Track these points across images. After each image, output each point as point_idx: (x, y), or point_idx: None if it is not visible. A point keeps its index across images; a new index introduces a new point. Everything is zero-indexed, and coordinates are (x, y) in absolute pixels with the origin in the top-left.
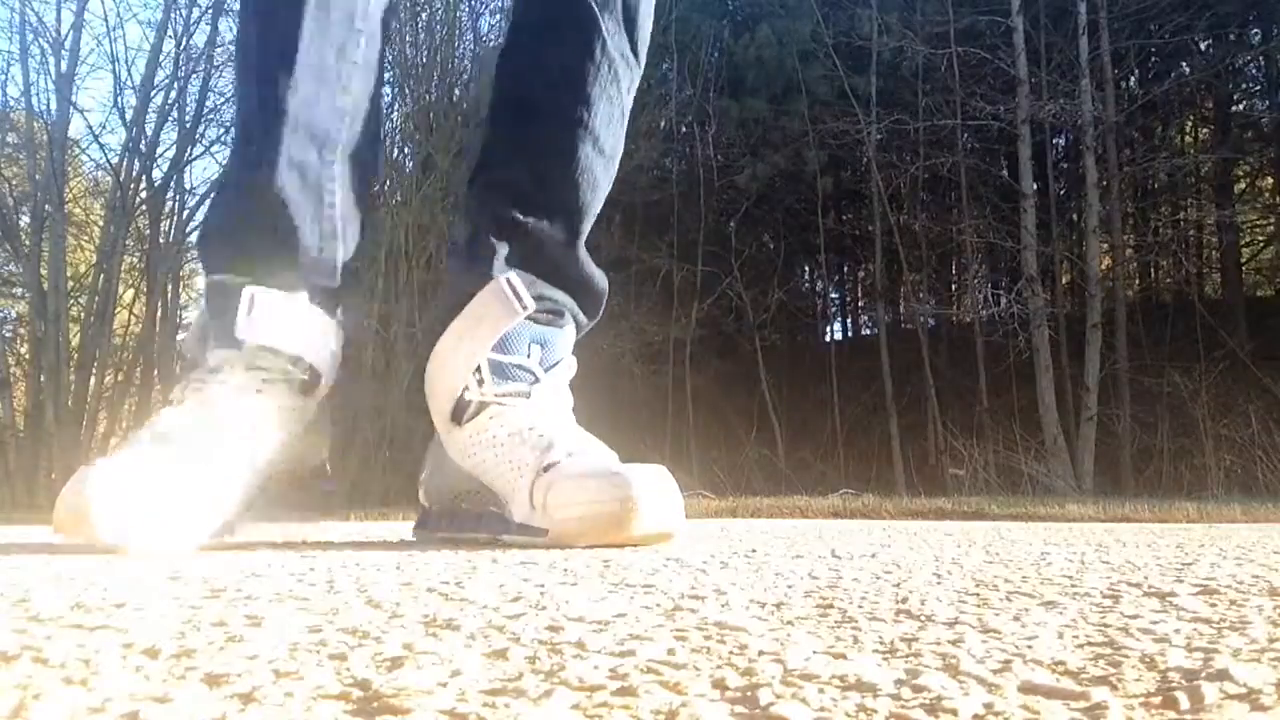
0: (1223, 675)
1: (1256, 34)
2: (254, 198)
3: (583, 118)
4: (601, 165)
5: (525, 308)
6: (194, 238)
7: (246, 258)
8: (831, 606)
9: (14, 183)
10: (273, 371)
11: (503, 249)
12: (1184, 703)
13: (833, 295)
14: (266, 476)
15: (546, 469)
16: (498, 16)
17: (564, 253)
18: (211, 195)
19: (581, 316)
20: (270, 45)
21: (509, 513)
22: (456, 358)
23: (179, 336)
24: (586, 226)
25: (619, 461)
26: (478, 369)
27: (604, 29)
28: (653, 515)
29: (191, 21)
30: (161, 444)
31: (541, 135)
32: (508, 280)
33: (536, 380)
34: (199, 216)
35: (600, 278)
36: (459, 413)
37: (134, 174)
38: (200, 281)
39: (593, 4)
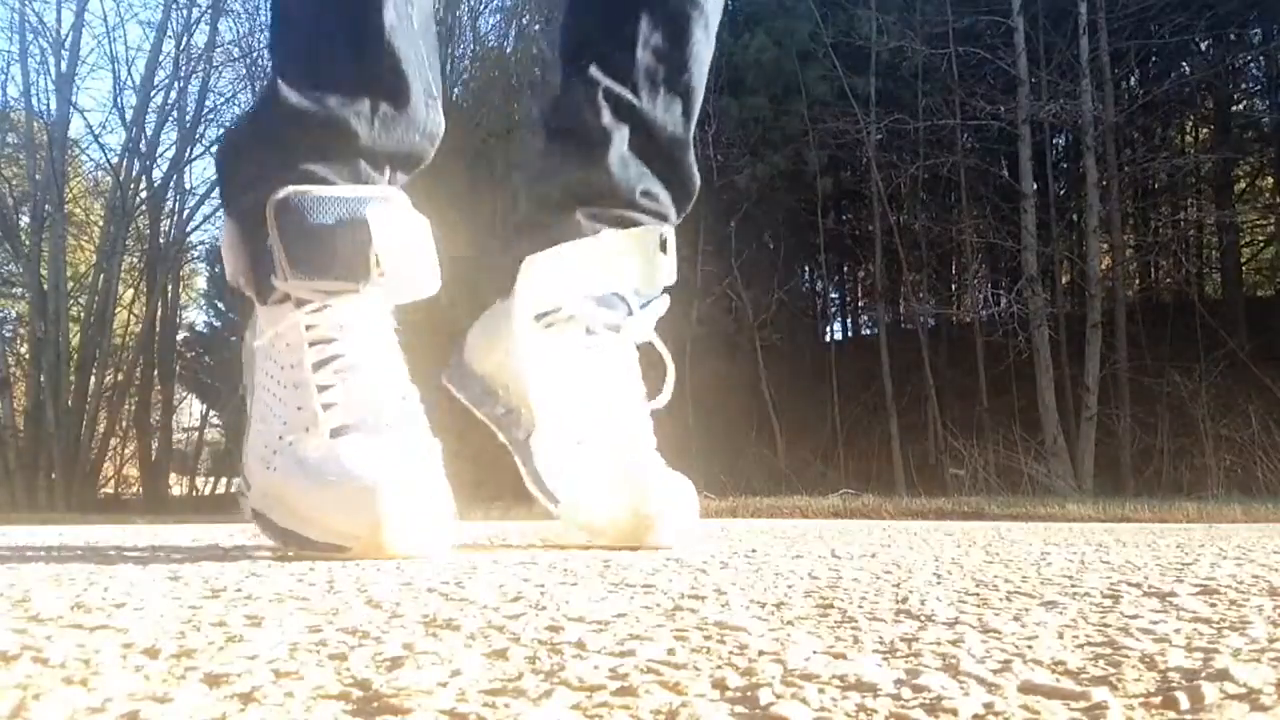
0: (1223, 675)
1: (1256, 34)
2: (352, 36)
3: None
4: (707, 48)
5: (670, 279)
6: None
7: (348, 134)
8: (831, 606)
9: (14, 183)
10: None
11: (620, 136)
12: (1184, 703)
13: (833, 295)
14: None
15: (595, 444)
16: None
17: (677, 142)
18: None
19: (673, 212)
20: None
21: (531, 448)
22: (575, 274)
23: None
24: (697, 112)
25: (654, 464)
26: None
27: None
28: (667, 532)
29: (191, 21)
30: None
31: (658, 7)
32: (663, 239)
33: (630, 313)
34: (199, 216)
35: (697, 175)
36: (546, 314)
37: (134, 174)
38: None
39: None
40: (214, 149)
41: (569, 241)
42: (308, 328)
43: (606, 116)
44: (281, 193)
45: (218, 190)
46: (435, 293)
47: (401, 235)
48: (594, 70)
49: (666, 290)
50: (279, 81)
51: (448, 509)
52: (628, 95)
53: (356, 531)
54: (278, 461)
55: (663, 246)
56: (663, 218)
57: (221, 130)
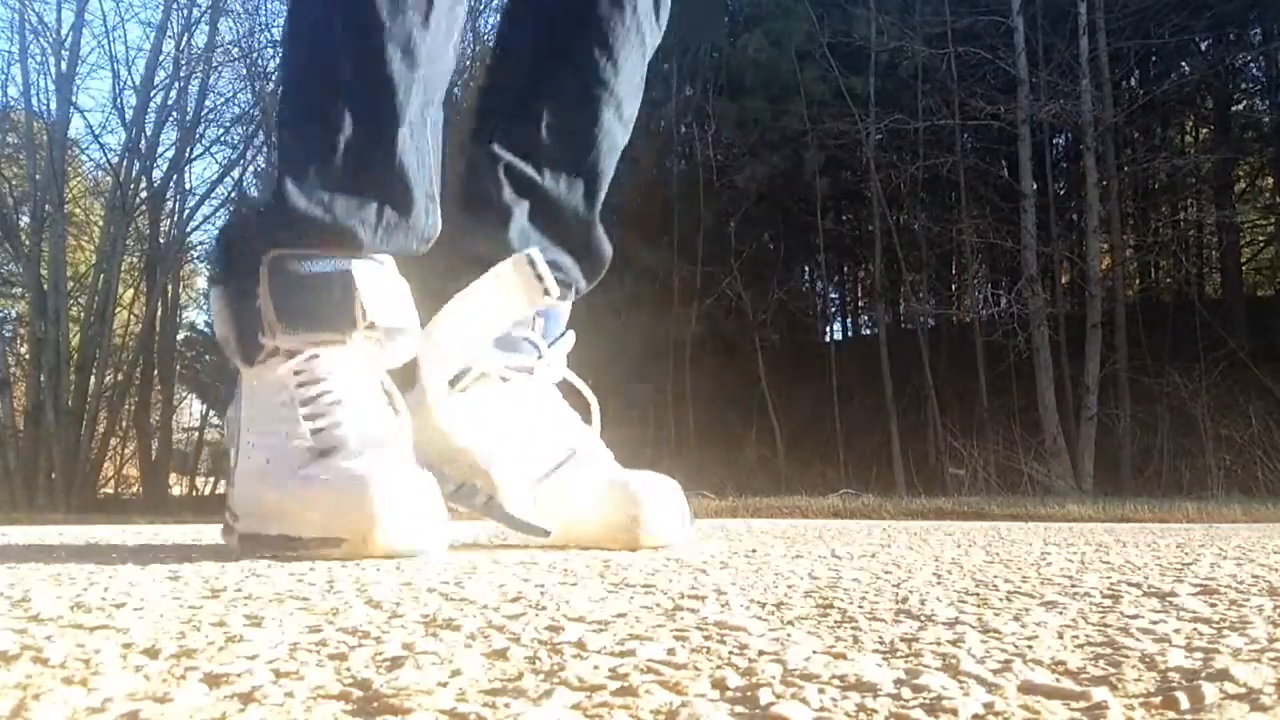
0: (1223, 675)
1: (1257, 34)
2: (369, 149)
3: (608, 78)
4: (620, 132)
5: (549, 293)
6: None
7: (342, 230)
8: (831, 606)
9: (14, 183)
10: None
11: (520, 210)
12: (1184, 703)
13: (832, 295)
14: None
15: (557, 467)
16: (496, 16)
17: (580, 219)
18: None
19: (582, 283)
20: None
21: (501, 498)
22: (469, 325)
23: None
24: (603, 193)
25: (620, 469)
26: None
27: (644, 8)
28: (659, 530)
29: (191, 22)
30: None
31: (565, 88)
32: (529, 258)
33: (540, 355)
34: (199, 216)
35: (607, 246)
36: (458, 377)
37: (134, 174)
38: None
39: None
40: (218, 227)
41: (448, 303)
42: (295, 372)
43: (507, 191)
44: (273, 254)
45: (216, 266)
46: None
47: (387, 291)
48: (497, 145)
49: (569, 327)
50: (286, 181)
51: (440, 509)
52: (529, 171)
53: (348, 525)
54: (270, 479)
55: (532, 265)
56: (568, 286)
57: (222, 131)
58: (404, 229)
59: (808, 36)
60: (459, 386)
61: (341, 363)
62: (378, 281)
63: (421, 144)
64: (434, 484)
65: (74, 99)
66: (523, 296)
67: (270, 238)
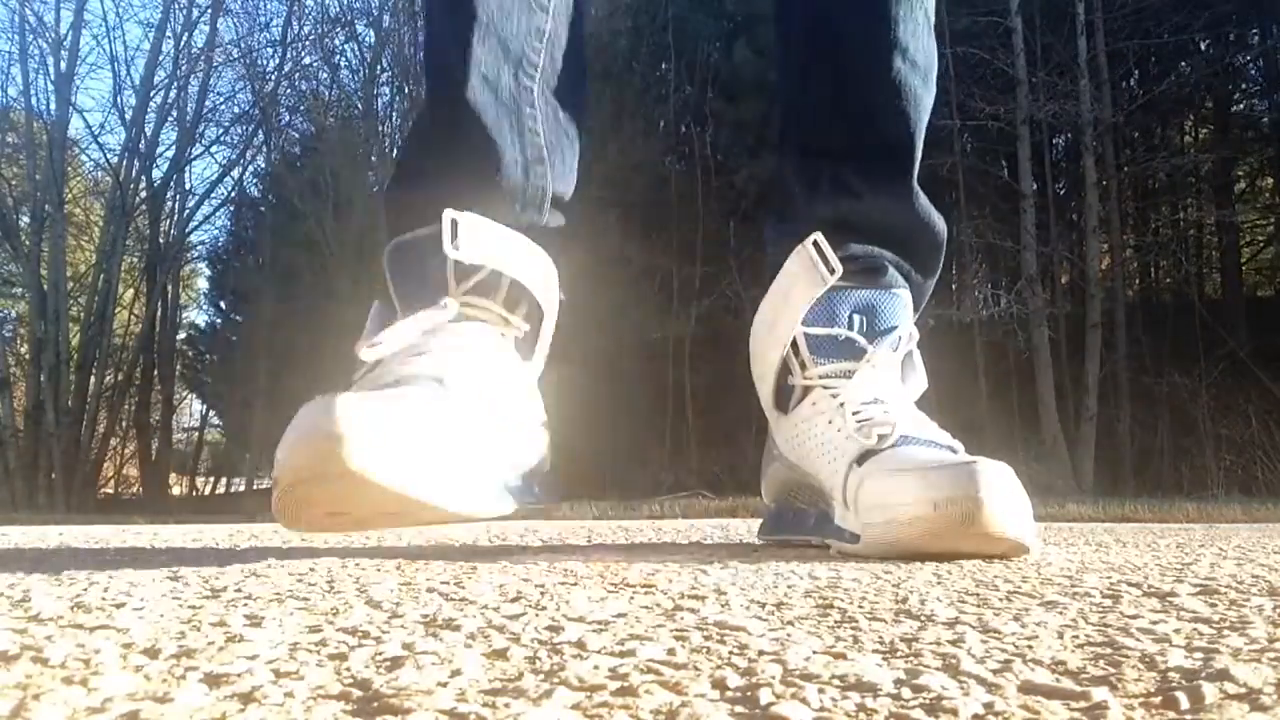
0: (1223, 675)
1: (1256, 34)
2: (444, 117)
3: (882, 32)
4: (919, 80)
5: (833, 271)
6: (196, 236)
7: (440, 196)
8: (831, 606)
9: (14, 183)
10: (489, 314)
11: (818, 205)
12: (1184, 703)
13: None
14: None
15: (861, 459)
16: None
17: (888, 199)
18: (402, 144)
19: (915, 273)
20: None
21: (832, 511)
22: (771, 337)
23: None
24: (915, 159)
25: (958, 453)
26: (794, 347)
27: None
28: (996, 520)
29: (191, 21)
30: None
31: (850, 62)
32: (814, 243)
33: (863, 354)
34: (199, 216)
35: (936, 222)
36: (783, 399)
37: (134, 174)
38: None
39: None
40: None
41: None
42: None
43: (806, 197)
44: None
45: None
46: None
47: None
48: (792, 138)
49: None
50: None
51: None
52: (820, 160)
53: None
54: None
55: (815, 248)
56: (876, 271)
57: (221, 131)
58: (492, 189)
59: None
60: (785, 408)
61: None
62: (476, 224)
63: (508, 102)
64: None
65: (73, 99)
66: (806, 285)
67: (389, 227)
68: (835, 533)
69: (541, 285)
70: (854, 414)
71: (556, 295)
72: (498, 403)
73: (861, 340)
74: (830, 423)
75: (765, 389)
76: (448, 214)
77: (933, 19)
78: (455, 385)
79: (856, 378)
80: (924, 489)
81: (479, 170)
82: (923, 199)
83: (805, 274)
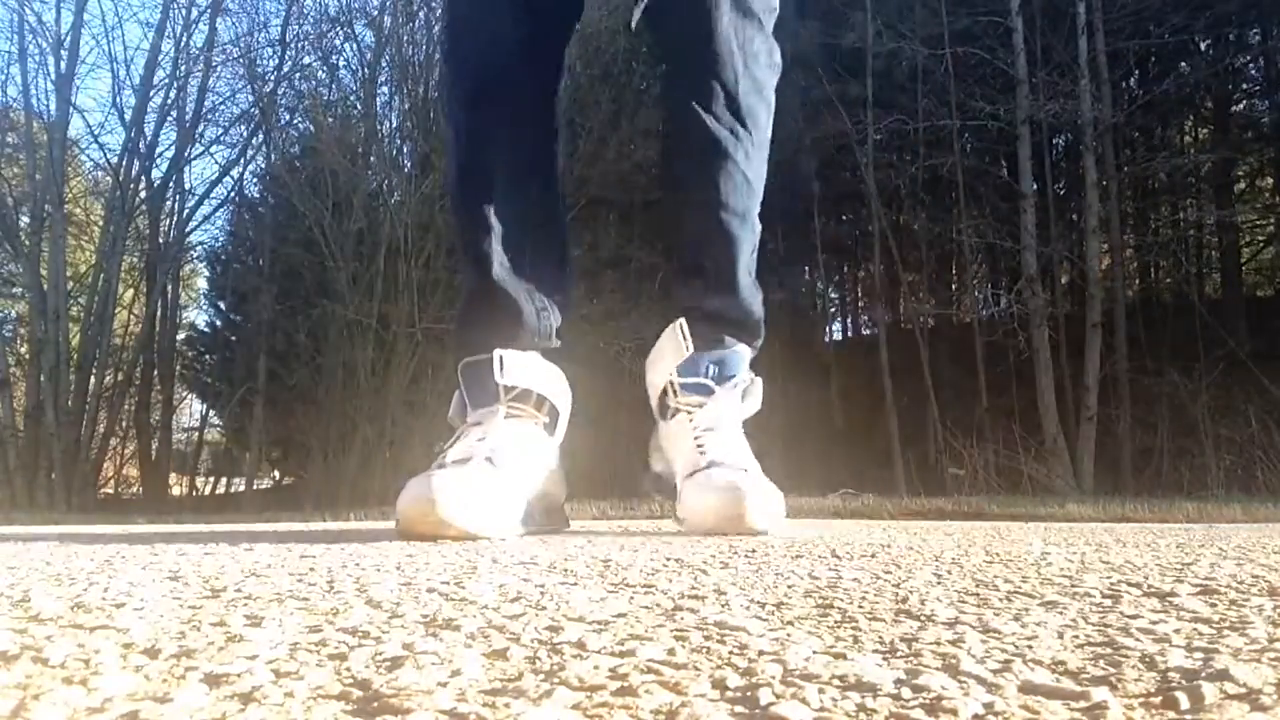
0: (1223, 675)
1: (1256, 34)
2: (484, 290)
3: (710, 198)
4: (738, 222)
5: (687, 346)
6: (196, 236)
7: (489, 338)
8: (831, 606)
9: (14, 183)
10: (524, 413)
11: (682, 298)
12: (1184, 703)
13: (832, 295)
14: (534, 494)
15: (691, 475)
16: None
17: (721, 300)
18: (460, 302)
19: (744, 340)
20: (473, 191)
21: (677, 504)
22: (656, 374)
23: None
24: (739, 269)
25: (747, 474)
26: (672, 385)
27: (709, 131)
28: (753, 520)
29: (190, 21)
30: (464, 464)
31: (687, 217)
32: (680, 326)
33: (712, 392)
34: (198, 216)
35: (755, 309)
36: (663, 411)
37: (134, 174)
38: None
39: (696, 107)
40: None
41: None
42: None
43: (676, 287)
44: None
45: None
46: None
47: (520, 368)
48: (669, 259)
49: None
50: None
51: (490, 500)
52: (682, 277)
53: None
54: None
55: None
56: (723, 343)
57: (221, 131)
58: (519, 330)
59: (806, 38)
60: (664, 417)
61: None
62: (515, 359)
63: (522, 279)
64: (499, 481)
65: (73, 99)
66: (675, 349)
67: (458, 351)
68: (675, 512)
69: (557, 390)
70: (695, 439)
71: (568, 393)
72: (527, 469)
73: (712, 384)
74: (683, 438)
75: (653, 403)
76: (497, 352)
77: (753, 177)
78: (500, 461)
79: (706, 407)
80: (714, 496)
81: (510, 321)
82: (744, 295)
83: (673, 344)
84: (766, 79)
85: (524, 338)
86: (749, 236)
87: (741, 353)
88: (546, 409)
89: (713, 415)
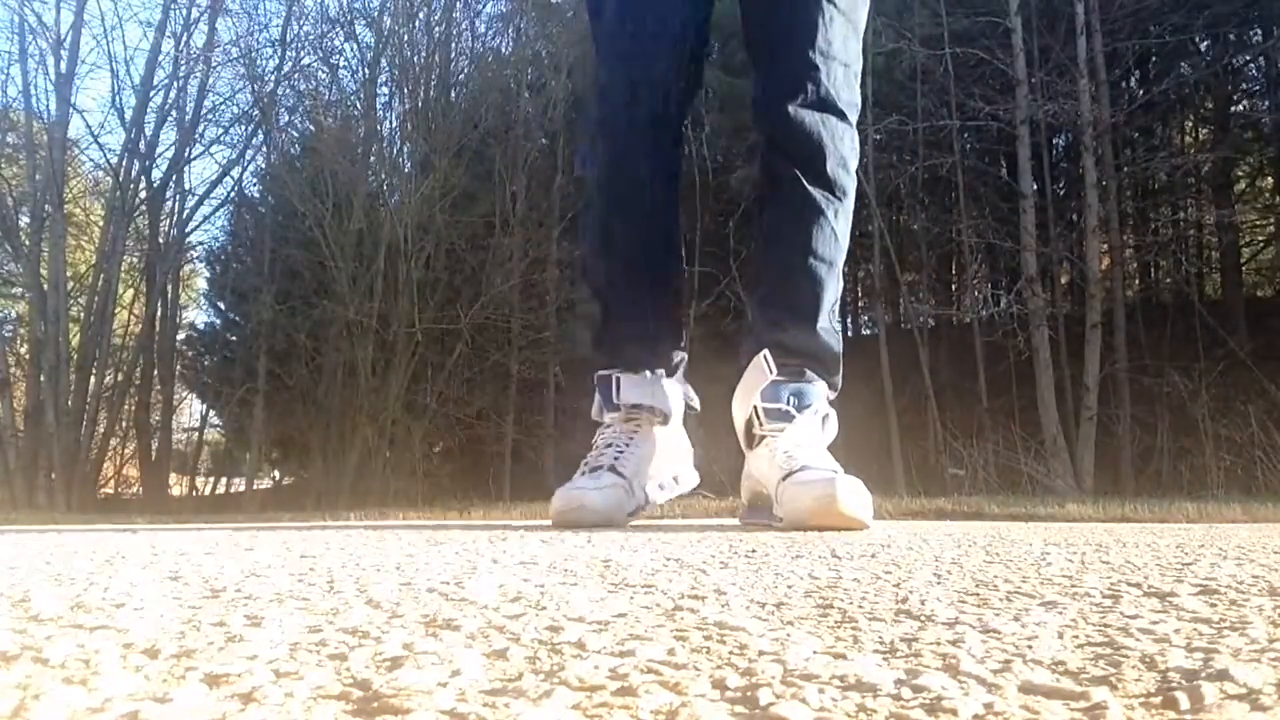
0: (1223, 675)
1: (1256, 34)
2: (617, 326)
3: (802, 245)
4: (825, 268)
5: (771, 372)
6: (196, 236)
7: (619, 358)
8: (831, 606)
9: (14, 183)
10: (640, 418)
11: (766, 334)
12: (1184, 703)
13: None
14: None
15: (785, 478)
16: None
17: (804, 335)
18: (590, 329)
19: (823, 374)
20: (615, 249)
21: (773, 507)
22: (743, 405)
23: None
24: (822, 309)
25: (838, 474)
26: (756, 412)
27: (808, 193)
28: (847, 508)
29: (190, 21)
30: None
31: (780, 260)
32: (764, 356)
33: (793, 418)
34: (198, 216)
35: (833, 346)
36: (749, 441)
37: (133, 174)
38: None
39: (800, 177)
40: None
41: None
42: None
43: (760, 324)
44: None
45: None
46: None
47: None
48: (754, 296)
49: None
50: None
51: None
52: (769, 311)
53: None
54: None
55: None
56: (804, 375)
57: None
58: (644, 355)
59: None
60: (751, 446)
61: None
62: (631, 380)
63: (646, 310)
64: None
65: (73, 99)
66: (760, 378)
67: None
68: (773, 518)
69: (668, 400)
70: (784, 452)
71: (681, 400)
72: (644, 470)
73: (793, 410)
74: (773, 459)
75: (740, 434)
76: (614, 376)
77: (841, 235)
78: (622, 468)
79: (787, 432)
80: (809, 490)
81: (639, 349)
82: (823, 334)
83: (757, 374)
84: (850, 159)
85: (647, 360)
86: (833, 284)
87: (820, 387)
88: (660, 415)
89: (795, 439)
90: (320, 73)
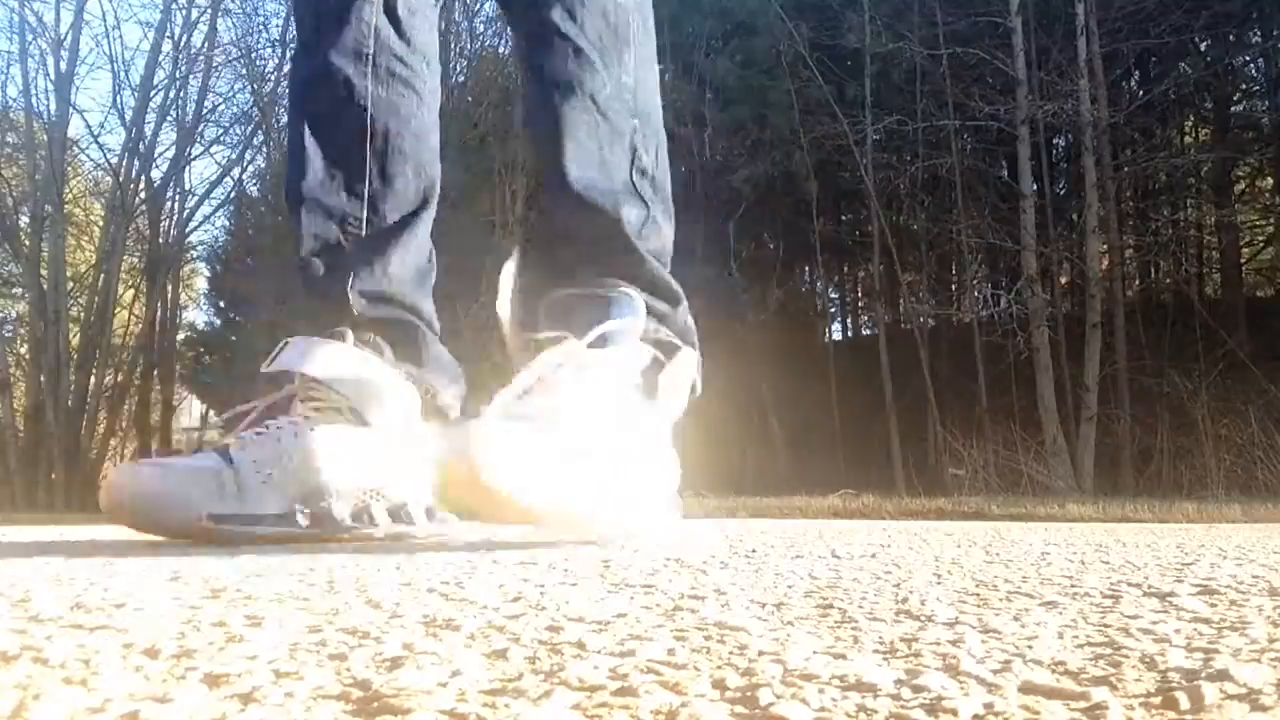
0: (1223, 675)
1: (1256, 34)
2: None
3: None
4: (607, 130)
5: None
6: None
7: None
8: (831, 606)
9: (14, 183)
10: (324, 402)
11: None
12: (1184, 703)
13: (832, 295)
14: None
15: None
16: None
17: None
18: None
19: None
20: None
21: None
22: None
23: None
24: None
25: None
26: None
27: (557, 70)
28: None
29: (190, 21)
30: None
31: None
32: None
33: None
34: (198, 216)
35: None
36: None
37: (133, 174)
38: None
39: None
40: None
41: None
42: None
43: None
44: None
45: None
46: None
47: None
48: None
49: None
50: None
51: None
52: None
53: None
54: None
55: None
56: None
57: (221, 131)
58: (322, 309)
59: (804, 39)
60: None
61: None
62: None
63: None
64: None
65: (73, 99)
66: None
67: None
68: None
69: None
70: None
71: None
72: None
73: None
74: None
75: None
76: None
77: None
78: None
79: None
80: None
81: (316, 299)
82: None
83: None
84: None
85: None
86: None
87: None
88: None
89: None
90: None
